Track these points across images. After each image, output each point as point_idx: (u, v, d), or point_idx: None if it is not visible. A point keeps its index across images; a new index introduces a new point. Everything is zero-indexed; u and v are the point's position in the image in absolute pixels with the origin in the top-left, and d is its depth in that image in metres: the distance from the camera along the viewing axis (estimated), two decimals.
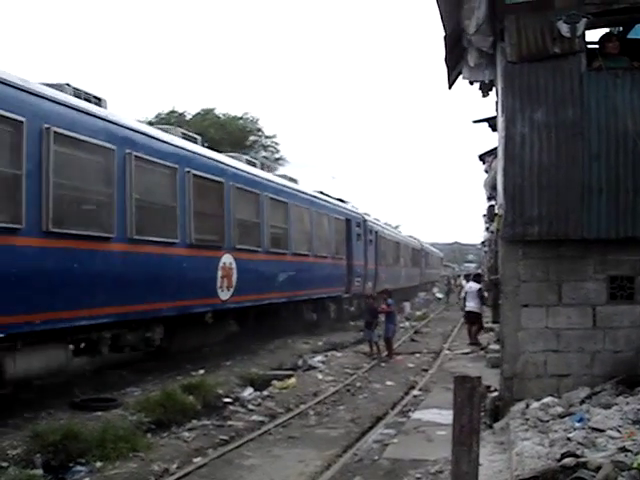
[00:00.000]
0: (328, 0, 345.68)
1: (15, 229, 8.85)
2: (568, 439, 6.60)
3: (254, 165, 17.76)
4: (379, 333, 18.12)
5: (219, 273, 14.39)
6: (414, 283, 41.66)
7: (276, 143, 46.87)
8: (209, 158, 14.68)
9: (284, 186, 18.92)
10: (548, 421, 7.55)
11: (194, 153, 13.91)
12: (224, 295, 14.66)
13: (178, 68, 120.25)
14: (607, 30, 10.02)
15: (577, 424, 7.09)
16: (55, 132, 9.53)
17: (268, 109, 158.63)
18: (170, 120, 35.53)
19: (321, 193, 23.66)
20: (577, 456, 5.64)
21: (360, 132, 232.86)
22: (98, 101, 11.21)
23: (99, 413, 9.60)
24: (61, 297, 9.72)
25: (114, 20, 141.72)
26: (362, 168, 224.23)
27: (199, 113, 43.14)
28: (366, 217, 28.97)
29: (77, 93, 10.68)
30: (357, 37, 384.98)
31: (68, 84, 10.57)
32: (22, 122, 8.95)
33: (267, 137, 46.47)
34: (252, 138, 45.26)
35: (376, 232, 30.36)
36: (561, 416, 7.61)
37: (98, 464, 7.75)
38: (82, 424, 8.67)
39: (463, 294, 22.56)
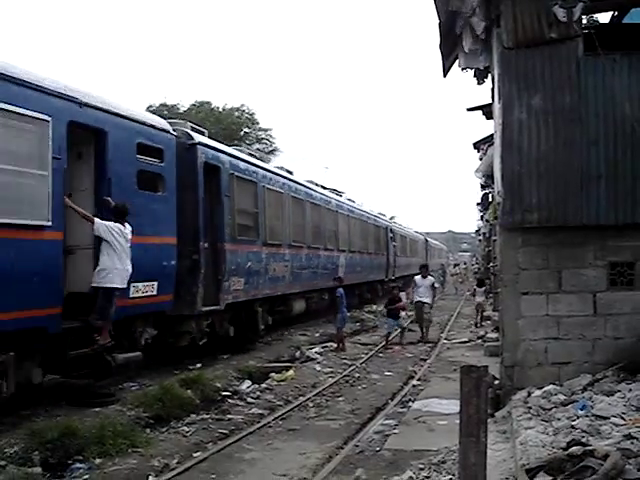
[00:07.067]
0: None
1: None
2: (572, 427, 6.56)
3: None
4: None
5: None
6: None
7: (271, 136, 46.86)
8: None
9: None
10: (551, 409, 7.49)
11: None
12: None
13: (172, 59, 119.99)
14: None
15: (580, 412, 7.04)
16: None
17: (261, 101, 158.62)
18: (162, 113, 35.30)
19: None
20: (583, 444, 5.58)
21: (353, 123, 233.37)
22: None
23: (97, 409, 9.48)
24: None
25: (105, 9, 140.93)
26: (355, 158, 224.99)
27: (194, 105, 42.89)
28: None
29: None
30: (351, 27, 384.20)
31: None
32: None
33: (262, 130, 46.40)
34: (245, 130, 45.13)
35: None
36: (563, 404, 7.55)
37: (97, 461, 7.65)
38: (80, 421, 8.56)
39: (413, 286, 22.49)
